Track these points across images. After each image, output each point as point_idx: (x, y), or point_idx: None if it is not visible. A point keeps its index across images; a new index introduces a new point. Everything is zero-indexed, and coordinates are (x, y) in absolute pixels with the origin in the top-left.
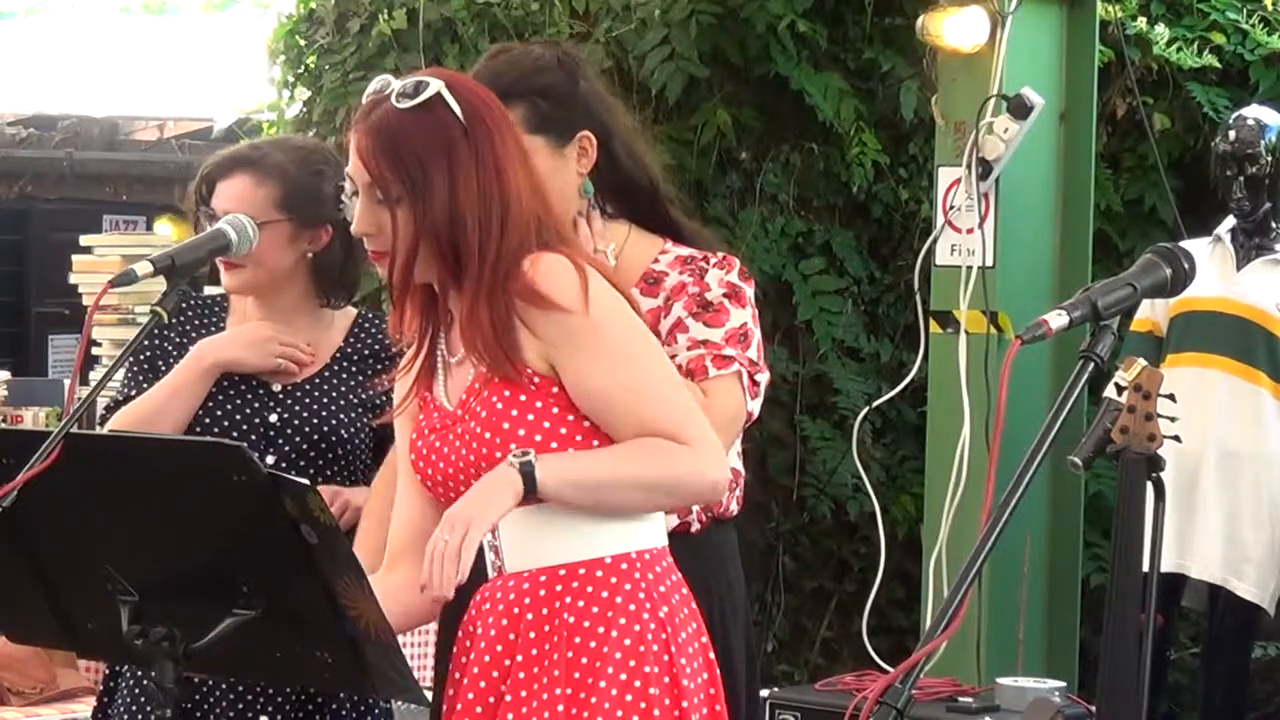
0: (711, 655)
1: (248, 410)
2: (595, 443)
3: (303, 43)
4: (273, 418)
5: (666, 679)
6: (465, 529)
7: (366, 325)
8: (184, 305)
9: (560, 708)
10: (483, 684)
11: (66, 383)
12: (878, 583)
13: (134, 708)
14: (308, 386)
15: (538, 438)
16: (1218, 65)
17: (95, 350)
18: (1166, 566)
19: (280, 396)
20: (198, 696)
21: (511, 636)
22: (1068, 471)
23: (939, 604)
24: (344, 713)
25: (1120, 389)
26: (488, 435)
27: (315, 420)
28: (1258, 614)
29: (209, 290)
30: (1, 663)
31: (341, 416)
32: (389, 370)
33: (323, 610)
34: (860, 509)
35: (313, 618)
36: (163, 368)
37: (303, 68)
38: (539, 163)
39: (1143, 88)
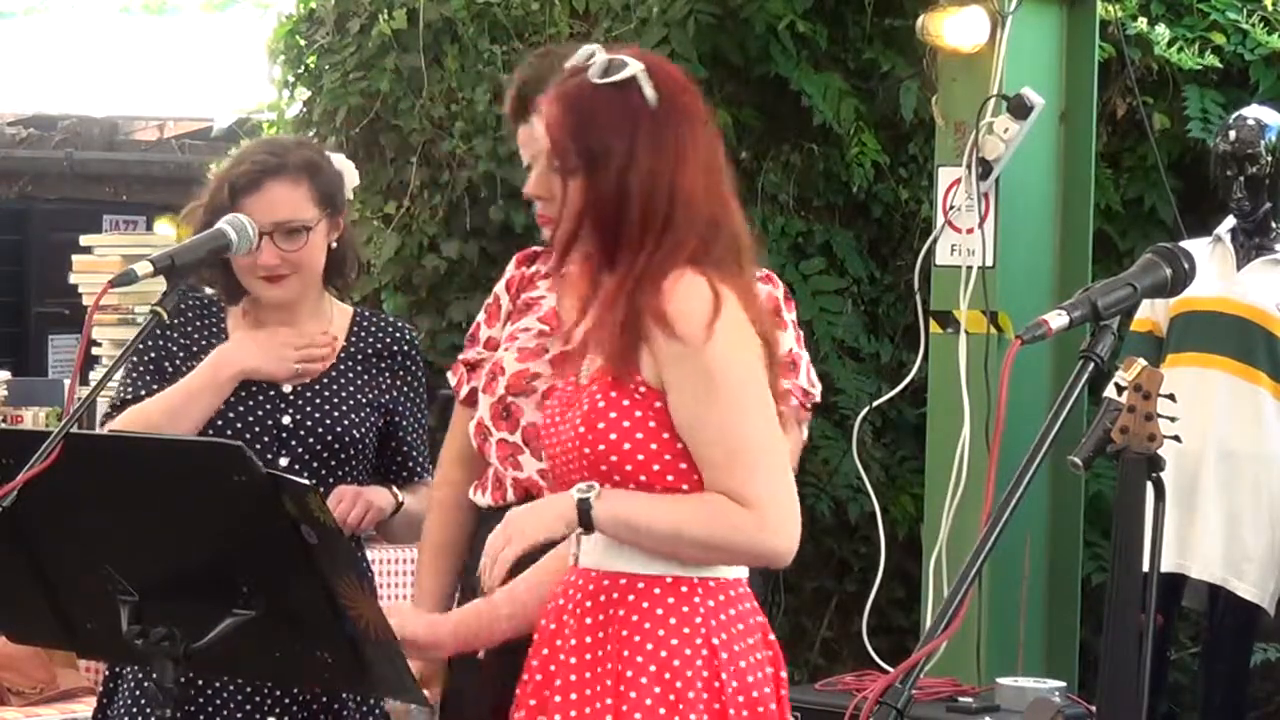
0: (774, 705)
1: (260, 412)
2: (683, 466)
3: (303, 43)
4: (285, 420)
5: (717, 705)
6: (507, 542)
7: (366, 324)
8: (183, 305)
9: (597, 705)
10: (534, 662)
11: (66, 383)
12: (878, 583)
13: (134, 708)
14: (317, 387)
15: (626, 446)
16: (1218, 65)
17: (95, 350)
18: (1166, 566)
19: (291, 398)
20: (202, 700)
21: (567, 629)
22: (1068, 471)
23: (939, 604)
24: (345, 714)
25: (1120, 389)
26: (583, 429)
27: (328, 421)
28: (1258, 614)
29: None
30: (1, 663)
31: (353, 417)
32: (394, 369)
33: (323, 610)
34: (860, 509)
35: (313, 618)
36: (169, 369)
37: (303, 68)
38: None
39: (1143, 88)
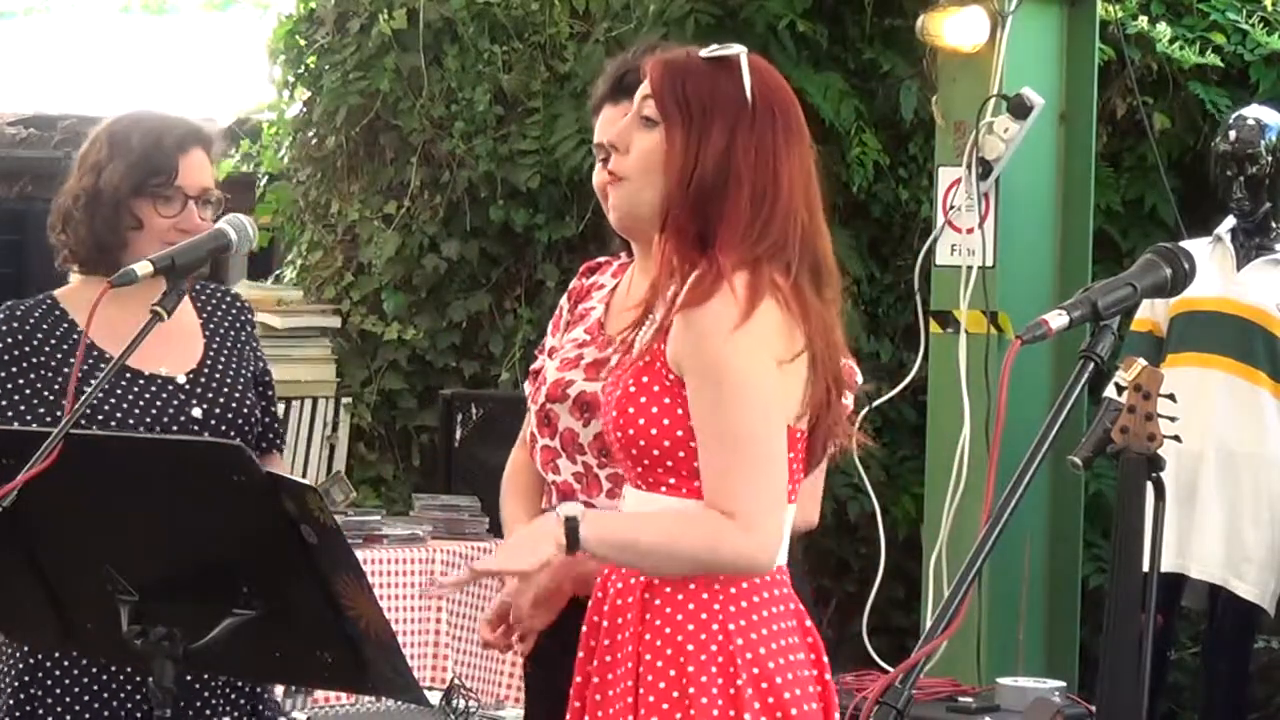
0: (813, 705)
1: (171, 409)
2: None
3: (303, 43)
4: (196, 412)
5: (732, 712)
6: (500, 566)
7: (204, 298)
8: (28, 316)
9: (618, 705)
10: (580, 654)
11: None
12: (878, 583)
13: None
14: (208, 371)
15: (654, 431)
16: (1219, 64)
17: None
18: (1166, 566)
19: (189, 388)
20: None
21: (601, 629)
22: (1068, 471)
23: (939, 604)
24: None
25: (1120, 389)
26: (615, 413)
27: (234, 405)
28: (1258, 614)
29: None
30: None
31: (250, 398)
32: (249, 338)
33: (323, 610)
34: (860, 509)
35: (313, 618)
36: (41, 384)
37: (303, 68)
38: None
39: (1143, 88)
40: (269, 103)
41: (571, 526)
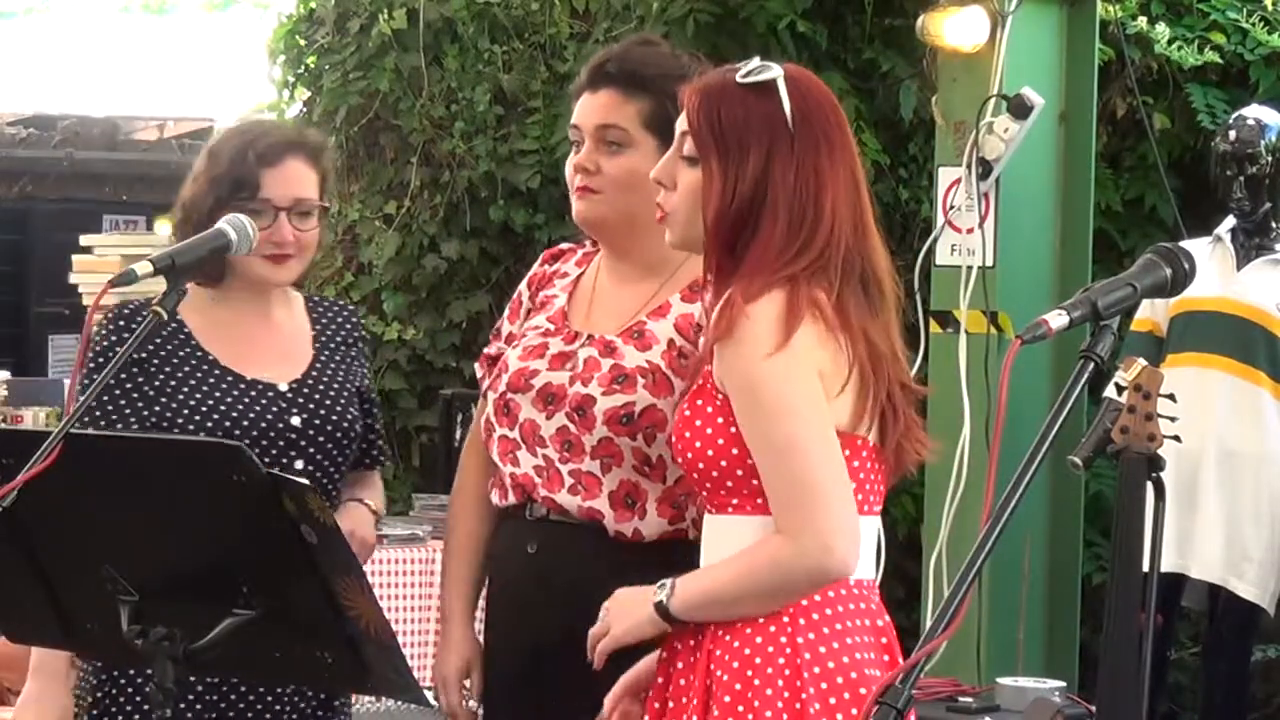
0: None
1: (269, 416)
2: None
3: (303, 43)
4: (295, 420)
5: None
6: (604, 635)
7: (320, 309)
8: (138, 313)
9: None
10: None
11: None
12: (878, 583)
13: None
14: (311, 382)
15: (710, 452)
16: (1219, 64)
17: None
18: (1167, 566)
19: (291, 396)
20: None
21: (675, 650)
22: (1068, 471)
23: (939, 604)
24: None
25: (1120, 389)
26: (673, 438)
27: (334, 417)
28: (1258, 614)
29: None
30: (2, 662)
31: (352, 411)
32: (358, 353)
33: (323, 610)
34: None
35: (313, 618)
36: (144, 379)
37: (303, 68)
38: (642, 161)
39: (1143, 88)
40: (269, 103)
41: (662, 610)
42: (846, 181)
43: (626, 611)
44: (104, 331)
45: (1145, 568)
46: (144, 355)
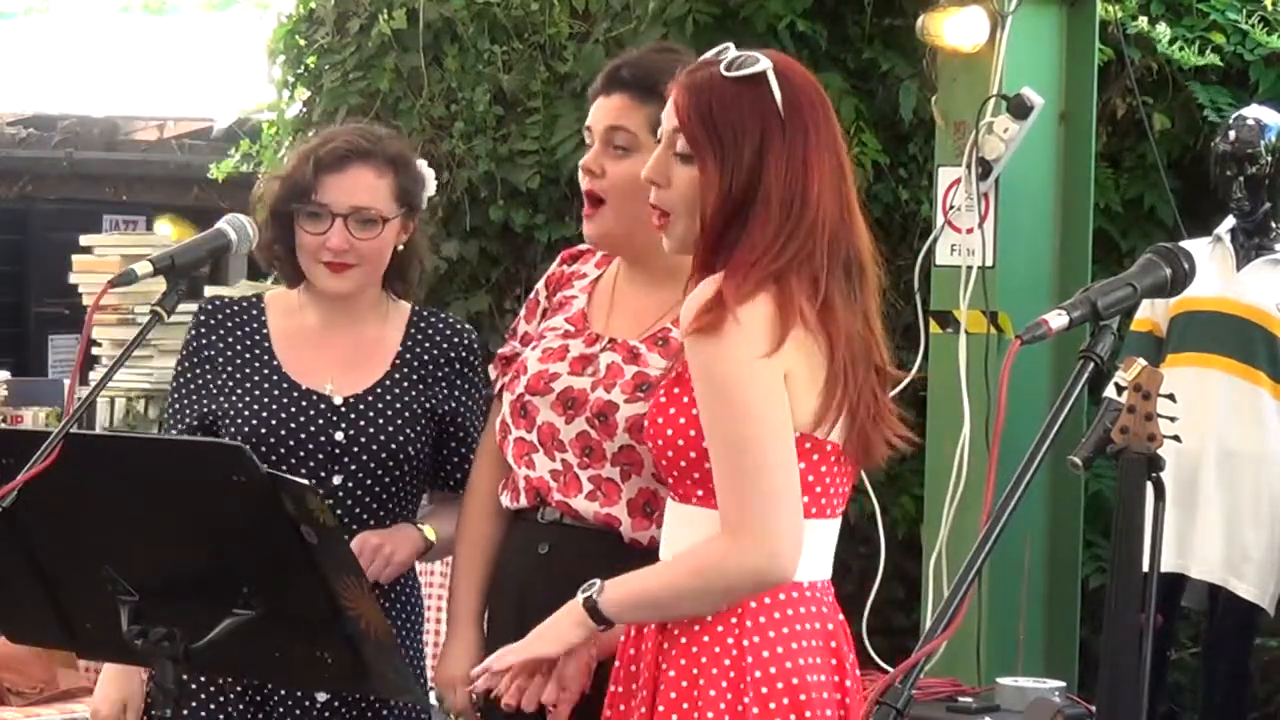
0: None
1: (312, 428)
2: None
3: (303, 43)
4: (339, 435)
5: None
6: (527, 655)
7: (424, 325)
8: (222, 310)
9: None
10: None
11: (66, 383)
12: (877, 583)
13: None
14: (370, 399)
15: (681, 442)
16: (1219, 64)
17: (95, 350)
18: (1166, 566)
19: (344, 411)
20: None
21: (630, 652)
22: (1068, 471)
23: (939, 604)
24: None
25: (1120, 389)
26: (647, 424)
27: (382, 437)
28: (1257, 614)
29: (214, 291)
30: (1, 663)
31: (407, 431)
32: (451, 376)
33: (323, 610)
34: (860, 509)
35: (313, 618)
36: (210, 376)
37: (303, 68)
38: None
39: (1143, 88)
40: (269, 103)
41: (591, 606)
42: (832, 167)
43: (551, 625)
44: (195, 332)
45: (1145, 568)
46: (216, 351)
